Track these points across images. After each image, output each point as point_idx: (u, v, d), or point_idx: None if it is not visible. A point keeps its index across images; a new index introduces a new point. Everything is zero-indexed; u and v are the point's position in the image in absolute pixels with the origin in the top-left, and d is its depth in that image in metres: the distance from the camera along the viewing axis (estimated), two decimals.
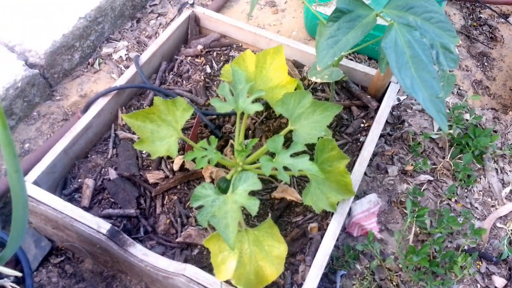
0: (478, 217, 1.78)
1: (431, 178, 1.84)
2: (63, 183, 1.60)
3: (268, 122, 1.77)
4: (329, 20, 1.17)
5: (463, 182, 1.84)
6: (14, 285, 1.23)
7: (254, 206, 1.21)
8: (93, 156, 1.67)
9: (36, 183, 1.47)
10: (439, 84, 1.12)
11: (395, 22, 1.16)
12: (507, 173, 1.91)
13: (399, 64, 1.13)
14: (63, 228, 1.45)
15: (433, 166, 1.88)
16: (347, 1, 1.18)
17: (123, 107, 1.77)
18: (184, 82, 1.89)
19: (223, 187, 1.43)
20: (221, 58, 1.99)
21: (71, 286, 1.52)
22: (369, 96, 1.83)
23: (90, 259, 1.55)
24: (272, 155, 1.35)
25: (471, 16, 2.60)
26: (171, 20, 2.33)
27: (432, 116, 1.11)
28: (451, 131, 1.93)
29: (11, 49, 1.90)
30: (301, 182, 1.64)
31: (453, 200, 1.80)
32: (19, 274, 1.06)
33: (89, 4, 2.07)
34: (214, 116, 1.76)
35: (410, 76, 1.12)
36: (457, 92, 2.21)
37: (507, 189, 1.86)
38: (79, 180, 1.60)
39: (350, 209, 1.59)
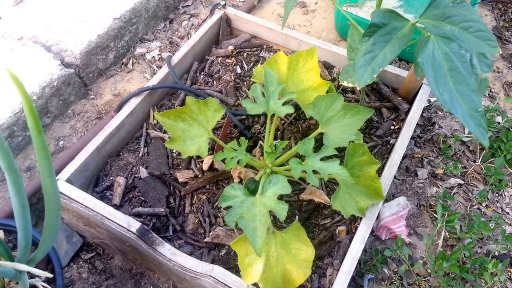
0: (509, 223, 1.75)
1: (462, 182, 1.82)
2: (95, 180, 1.63)
3: (297, 123, 1.77)
4: (365, 35, 1.14)
5: (494, 186, 1.82)
6: (45, 284, 1.25)
7: (283, 210, 1.20)
8: (125, 155, 1.69)
9: (69, 180, 1.50)
10: (479, 98, 1.06)
11: (431, 33, 1.12)
12: None
13: (437, 79, 1.08)
14: (94, 225, 1.48)
15: (464, 170, 1.85)
16: (382, 14, 1.14)
17: (155, 107, 1.80)
18: (214, 82, 1.91)
19: (251, 188, 1.44)
20: (252, 59, 2.00)
21: (101, 282, 1.55)
22: (399, 98, 1.81)
23: (120, 256, 1.57)
24: (301, 157, 1.35)
25: (503, 17, 2.55)
26: (203, 21, 2.35)
27: (472, 131, 1.04)
28: None
29: (48, 49, 1.94)
30: (329, 184, 1.63)
31: (483, 204, 1.78)
32: (50, 275, 1.08)
33: (124, 5, 2.11)
34: (243, 117, 1.78)
35: (448, 91, 1.07)
36: (489, 94, 2.17)
37: None
38: (111, 178, 1.63)
39: (379, 212, 1.58)
